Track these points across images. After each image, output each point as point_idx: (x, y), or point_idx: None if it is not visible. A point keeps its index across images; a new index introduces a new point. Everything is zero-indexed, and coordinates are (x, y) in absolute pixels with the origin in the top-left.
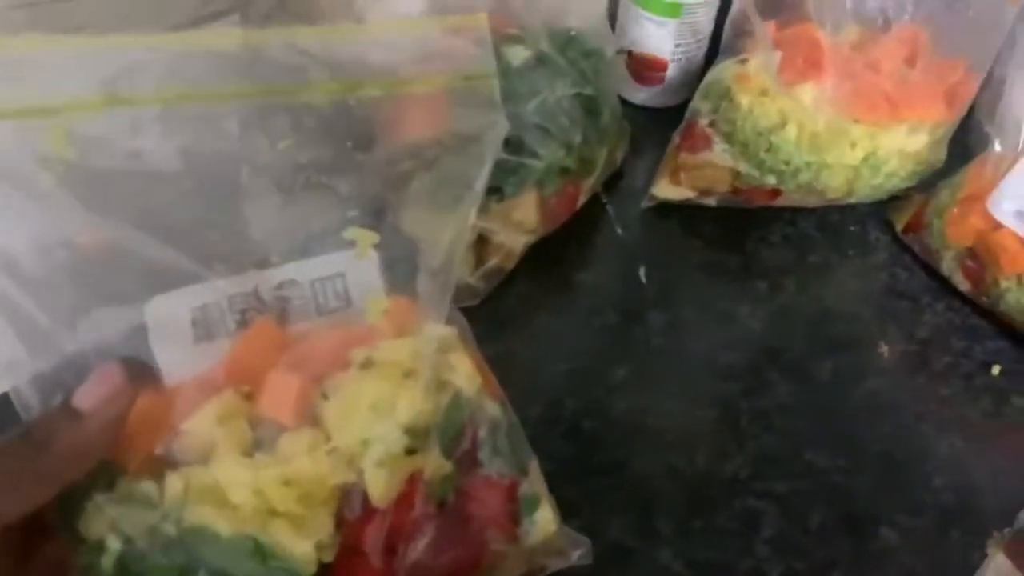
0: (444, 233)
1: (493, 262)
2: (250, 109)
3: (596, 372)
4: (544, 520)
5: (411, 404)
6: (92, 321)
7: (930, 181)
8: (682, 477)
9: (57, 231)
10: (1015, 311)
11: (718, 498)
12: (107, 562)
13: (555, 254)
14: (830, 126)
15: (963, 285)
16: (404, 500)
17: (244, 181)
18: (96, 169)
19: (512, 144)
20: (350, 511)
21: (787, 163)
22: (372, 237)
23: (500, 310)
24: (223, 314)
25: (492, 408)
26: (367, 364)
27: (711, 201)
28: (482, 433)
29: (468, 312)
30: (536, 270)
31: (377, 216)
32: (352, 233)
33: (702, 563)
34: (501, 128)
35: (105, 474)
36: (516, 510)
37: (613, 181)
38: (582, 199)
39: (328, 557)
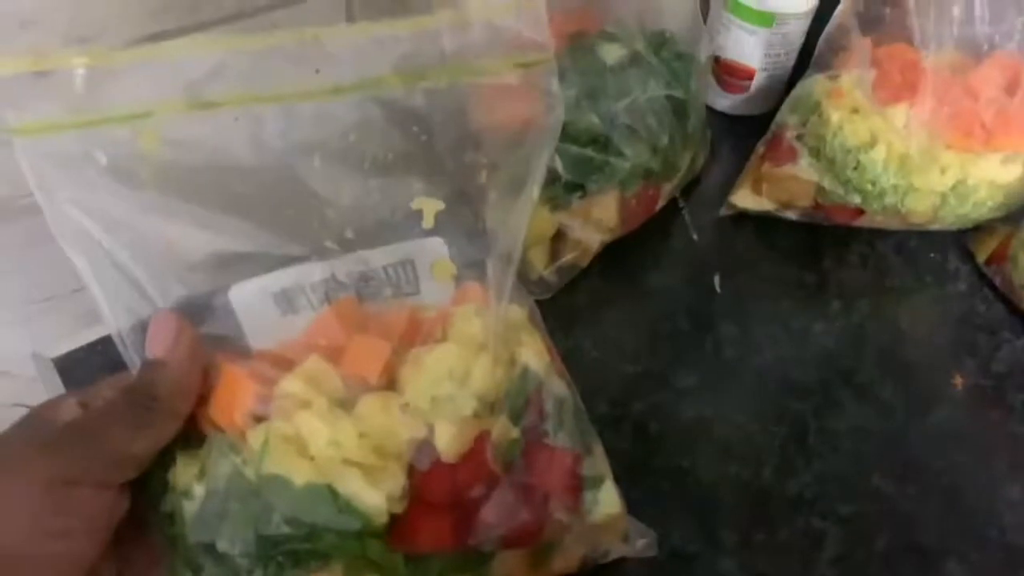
0: (509, 219)
1: (568, 258)
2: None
3: (664, 376)
4: (608, 498)
5: (483, 373)
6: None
7: (1017, 213)
8: (747, 489)
9: (155, 219)
10: None
11: (782, 514)
12: (191, 508)
13: (629, 255)
14: (921, 150)
15: None
16: (472, 458)
17: (318, 170)
18: (186, 165)
19: (599, 142)
20: (420, 464)
21: (873, 183)
22: (437, 204)
23: (571, 306)
24: (306, 293)
25: (559, 386)
26: (442, 338)
27: (791, 215)
28: (548, 407)
29: (540, 306)
30: (609, 269)
31: (451, 204)
32: (418, 203)
33: (763, 574)
34: (560, 115)
35: (195, 431)
36: (579, 484)
37: (691, 186)
38: (661, 202)
39: (398, 508)
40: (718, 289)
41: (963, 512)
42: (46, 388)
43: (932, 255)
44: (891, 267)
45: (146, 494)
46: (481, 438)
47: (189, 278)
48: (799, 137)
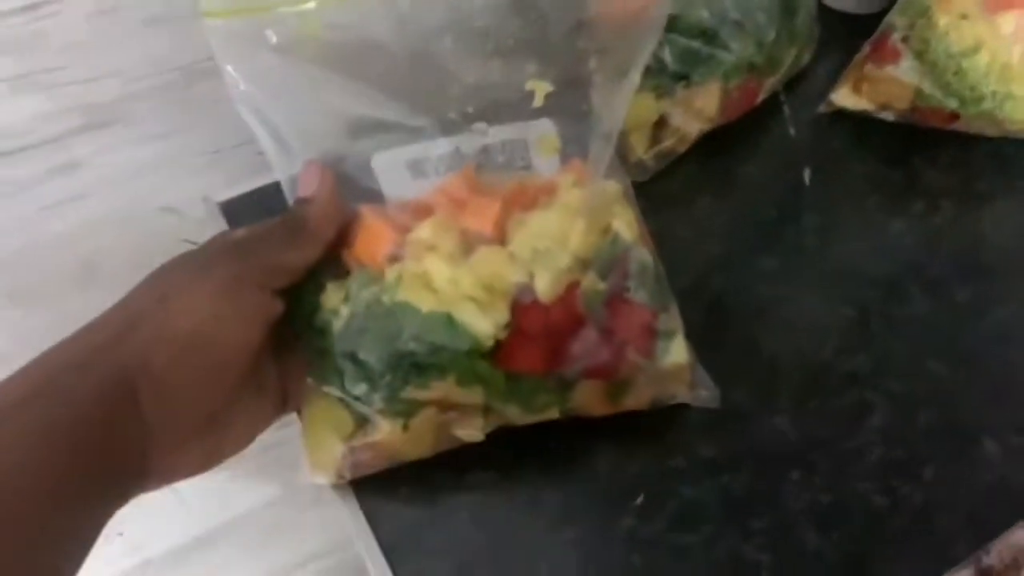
0: (613, 102)
1: (668, 143)
2: None
3: (745, 259)
4: (677, 348)
5: (578, 235)
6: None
7: None
8: (807, 362)
9: (313, 88)
10: None
11: (836, 385)
12: (338, 324)
13: (726, 145)
14: None
15: None
16: (563, 301)
17: (448, 51)
18: (338, 44)
19: (707, 35)
20: (521, 302)
21: (972, 89)
22: (547, 87)
23: (666, 189)
24: (433, 162)
25: (644, 254)
26: (547, 205)
27: (888, 116)
28: (633, 269)
29: (636, 186)
30: (706, 157)
31: (560, 84)
32: (531, 84)
33: (811, 435)
34: (666, 7)
35: (341, 266)
36: (653, 335)
37: (795, 83)
38: (762, 95)
39: (502, 335)
40: (807, 182)
41: (1008, 400)
42: (213, 228)
43: None
44: (981, 172)
45: (302, 313)
46: (572, 287)
47: (334, 142)
48: (904, 39)
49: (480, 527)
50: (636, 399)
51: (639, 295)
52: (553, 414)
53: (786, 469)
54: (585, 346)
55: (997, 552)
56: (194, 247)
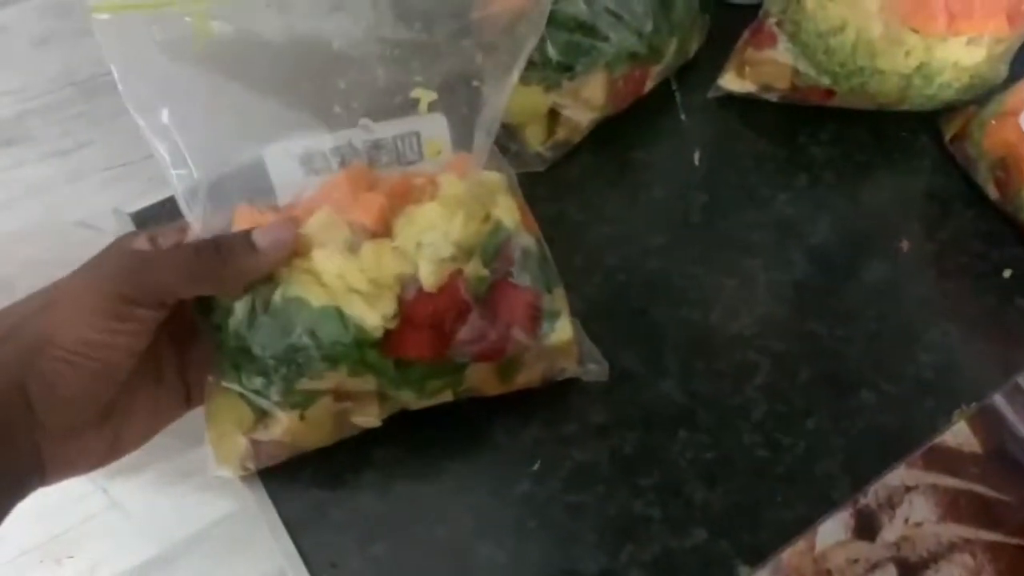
0: (495, 97)
1: (561, 134)
2: None
3: (636, 237)
4: (562, 327)
5: (460, 225)
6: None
7: (985, 95)
8: (694, 328)
9: (201, 89)
10: None
11: (722, 348)
12: (233, 321)
13: (619, 133)
14: (886, 33)
15: (993, 194)
16: (448, 289)
17: (335, 53)
18: (229, 43)
19: (585, 27)
20: (407, 293)
21: (842, 66)
22: (431, 95)
23: (562, 177)
24: (326, 158)
25: (527, 239)
26: (431, 199)
27: (772, 96)
28: (516, 255)
29: (533, 177)
30: (599, 145)
31: (446, 84)
32: (417, 92)
33: (698, 395)
34: (546, 6)
35: None
36: (538, 315)
37: (687, 70)
38: (650, 84)
39: (390, 326)
40: (696, 163)
41: (883, 352)
42: None
43: (903, 134)
44: (861, 144)
45: (200, 310)
46: (456, 275)
47: (223, 139)
48: (779, 23)
49: (382, 500)
50: (527, 377)
51: (522, 279)
52: (447, 397)
53: (674, 429)
54: (472, 331)
55: (873, 492)
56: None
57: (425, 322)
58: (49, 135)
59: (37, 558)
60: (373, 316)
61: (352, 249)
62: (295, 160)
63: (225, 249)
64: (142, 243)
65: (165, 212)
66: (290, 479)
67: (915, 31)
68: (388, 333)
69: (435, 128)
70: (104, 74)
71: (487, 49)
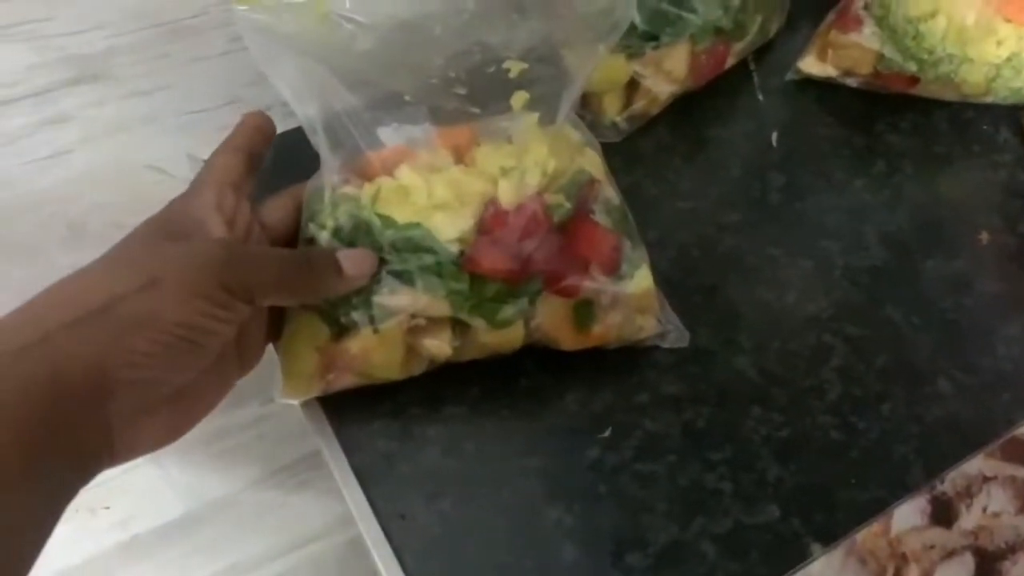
0: (584, 66)
1: (639, 105)
2: None
3: (711, 213)
4: (643, 275)
5: (541, 158)
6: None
7: None
8: (769, 308)
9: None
10: None
11: (796, 329)
12: (324, 236)
13: (697, 109)
14: (979, 21)
15: None
16: (527, 209)
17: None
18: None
19: None
20: (487, 212)
21: (930, 52)
22: (522, 65)
23: (637, 150)
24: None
25: (611, 192)
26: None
27: (852, 82)
28: (599, 201)
29: (609, 147)
30: (677, 120)
31: (540, 59)
32: (508, 64)
33: (772, 374)
34: None
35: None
36: (617, 258)
37: (764, 51)
38: (731, 61)
39: (470, 239)
40: (774, 144)
41: (960, 342)
42: None
43: (984, 127)
44: (941, 135)
45: None
46: (535, 198)
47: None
48: (866, 6)
49: (450, 457)
50: (603, 330)
51: (605, 220)
52: (518, 338)
53: (747, 405)
54: (547, 252)
55: (951, 481)
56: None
57: (502, 238)
58: (132, 74)
59: (73, 506)
60: (453, 229)
61: (438, 171)
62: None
63: (316, 268)
64: (240, 254)
65: None
66: (360, 430)
67: (1008, 20)
68: (465, 254)
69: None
70: (188, 17)
71: (578, 23)
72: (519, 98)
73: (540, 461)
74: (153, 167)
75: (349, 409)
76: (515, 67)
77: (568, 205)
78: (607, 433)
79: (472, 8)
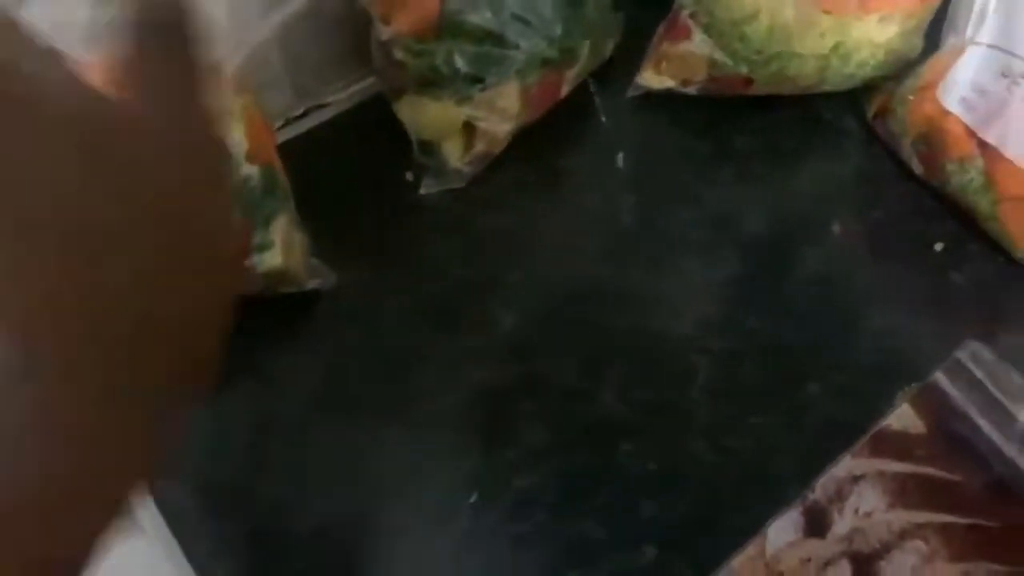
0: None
1: (480, 147)
2: None
3: (569, 246)
4: (269, 259)
5: None
6: None
7: (906, 71)
8: (632, 334)
9: None
10: (959, 193)
11: (661, 352)
12: None
13: (541, 141)
14: (799, 17)
15: (918, 169)
16: None
17: None
18: None
19: (494, 36)
20: None
21: (758, 52)
22: None
23: (487, 191)
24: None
25: (249, 170)
26: None
27: (691, 90)
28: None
29: (460, 192)
30: (524, 154)
31: None
32: None
33: (639, 403)
34: None
35: None
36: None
37: (604, 72)
38: (566, 88)
39: None
40: (620, 165)
41: (825, 343)
42: None
43: (827, 117)
44: (786, 131)
45: None
46: None
47: None
48: (692, 15)
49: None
50: None
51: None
52: None
53: (616, 442)
54: None
55: (821, 487)
56: None
57: None
58: None
59: None
60: None
61: None
62: None
63: None
64: None
65: None
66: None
67: (827, 12)
68: None
69: None
70: None
71: None
72: None
73: (406, 542)
74: None
75: None
76: None
77: None
78: (473, 499)
79: None
